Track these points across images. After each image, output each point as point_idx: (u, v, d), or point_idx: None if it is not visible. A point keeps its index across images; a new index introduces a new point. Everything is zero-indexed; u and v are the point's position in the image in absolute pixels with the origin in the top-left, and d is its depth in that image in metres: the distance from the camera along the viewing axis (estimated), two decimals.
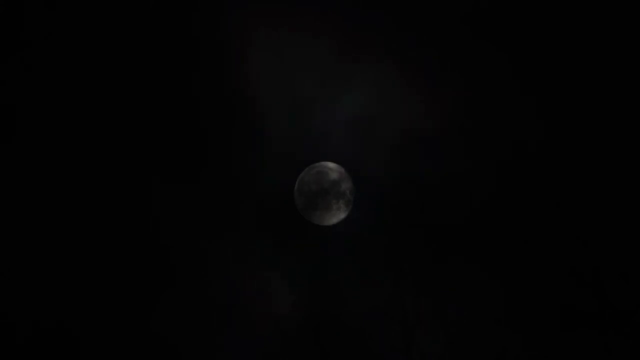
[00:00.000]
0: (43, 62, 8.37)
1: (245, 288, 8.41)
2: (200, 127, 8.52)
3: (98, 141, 8.44)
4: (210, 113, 8.53)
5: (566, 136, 8.31)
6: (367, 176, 8.55)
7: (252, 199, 8.53)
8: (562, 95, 8.35)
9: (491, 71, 8.41)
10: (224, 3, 8.42)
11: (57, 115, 8.43)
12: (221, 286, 8.38)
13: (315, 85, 8.54)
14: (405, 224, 8.44)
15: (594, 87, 8.32)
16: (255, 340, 8.32)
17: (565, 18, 8.35)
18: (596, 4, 8.22)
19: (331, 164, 8.53)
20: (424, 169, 8.42)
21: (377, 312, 8.34)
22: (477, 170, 8.40)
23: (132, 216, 8.42)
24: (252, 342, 8.31)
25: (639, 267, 8.03)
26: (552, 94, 8.36)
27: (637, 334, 7.93)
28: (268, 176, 8.53)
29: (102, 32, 8.37)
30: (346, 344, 8.31)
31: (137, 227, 8.41)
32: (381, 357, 8.25)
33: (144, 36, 8.38)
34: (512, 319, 8.15)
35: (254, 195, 8.54)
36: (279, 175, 8.54)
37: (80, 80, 8.43)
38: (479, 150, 8.44)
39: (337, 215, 8.50)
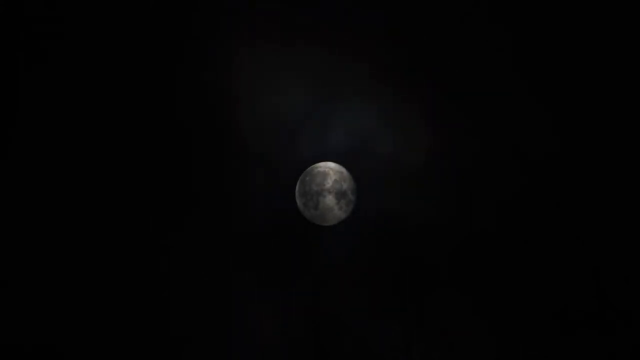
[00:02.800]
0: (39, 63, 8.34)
1: (246, 287, 8.40)
2: (194, 131, 8.50)
3: (87, 145, 8.41)
4: (203, 117, 8.51)
5: (565, 135, 8.32)
6: (369, 176, 8.55)
7: (253, 200, 8.52)
8: (560, 95, 8.36)
9: (493, 74, 8.42)
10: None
11: (53, 121, 8.41)
12: (222, 286, 8.38)
13: (316, 85, 8.54)
14: (406, 224, 8.45)
15: (592, 86, 8.34)
16: (255, 340, 8.32)
17: (570, 18, 8.36)
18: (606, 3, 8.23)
19: (332, 164, 8.53)
20: (426, 173, 8.45)
21: (377, 311, 8.34)
22: (478, 169, 8.41)
23: (129, 217, 8.41)
24: (251, 342, 8.31)
25: (639, 267, 8.05)
26: (551, 93, 8.37)
27: (637, 334, 7.95)
28: (268, 176, 8.53)
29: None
30: (346, 343, 8.32)
31: (135, 227, 8.41)
32: (381, 357, 8.25)
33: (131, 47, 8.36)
34: (512, 320, 8.17)
35: (254, 196, 8.53)
36: (279, 175, 8.54)
37: (73, 85, 8.41)
38: (481, 150, 8.45)
39: (338, 216, 8.49)
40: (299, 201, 8.46)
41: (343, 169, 8.49)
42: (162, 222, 8.32)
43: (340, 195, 8.42)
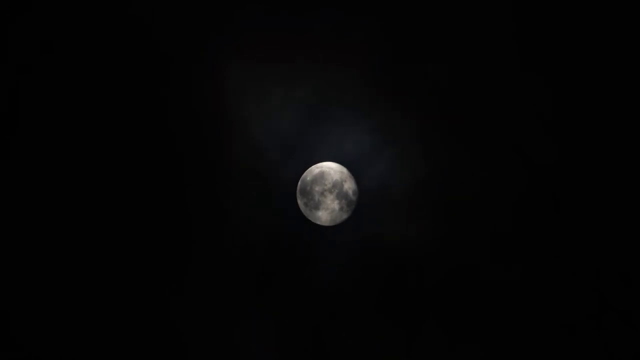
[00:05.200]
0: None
1: (246, 286, 8.41)
2: (186, 146, 8.50)
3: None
4: (195, 134, 8.52)
5: (565, 135, 8.34)
6: (370, 176, 8.55)
7: (252, 200, 8.53)
8: (558, 94, 8.37)
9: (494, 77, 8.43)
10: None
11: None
12: (223, 286, 8.39)
13: (317, 85, 8.55)
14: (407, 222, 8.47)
15: (592, 86, 8.34)
16: (255, 340, 8.33)
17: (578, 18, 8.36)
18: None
19: (333, 164, 8.53)
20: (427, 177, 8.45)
21: (377, 311, 8.36)
22: (479, 170, 8.42)
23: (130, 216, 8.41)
24: (252, 342, 8.32)
25: (639, 267, 8.08)
26: (549, 94, 8.38)
27: (637, 334, 7.98)
28: (269, 176, 8.53)
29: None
30: (346, 343, 8.33)
31: (134, 223, 8.41)
32: (381, 357, 8.27)
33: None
34: (511, 320, 8.19)
35: (254, 197, 8.53)
36: (280, 175, 8.54)
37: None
38: (481, 151, 8.46)
39: (339, 216, 8.50)
40: (300, 201, 8.46)
41: (344, 169, 8.49)
42: (161, 235, 8.36)
43: (341, 195, 8.43)
